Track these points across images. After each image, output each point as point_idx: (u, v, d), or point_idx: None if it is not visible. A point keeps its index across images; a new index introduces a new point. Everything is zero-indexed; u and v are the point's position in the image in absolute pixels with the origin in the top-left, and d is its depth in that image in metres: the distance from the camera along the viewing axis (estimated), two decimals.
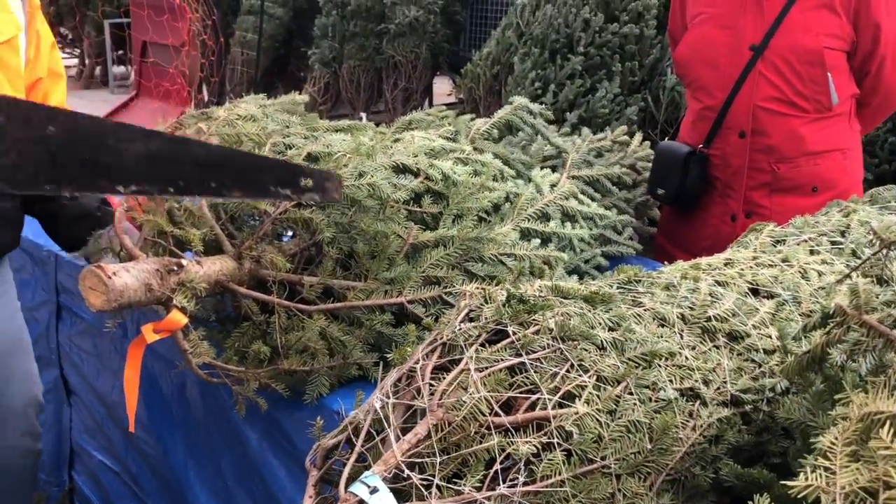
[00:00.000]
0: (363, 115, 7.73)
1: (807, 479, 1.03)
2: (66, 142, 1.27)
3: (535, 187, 2.34)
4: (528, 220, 2.21)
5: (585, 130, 2.96)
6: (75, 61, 13.26)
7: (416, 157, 2.11)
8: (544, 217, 2.26)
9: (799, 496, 1.03)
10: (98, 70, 12.93)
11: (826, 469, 1.02)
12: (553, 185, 2.38)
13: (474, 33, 10.04)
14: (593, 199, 2.55)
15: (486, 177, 2.16)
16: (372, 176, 1.99)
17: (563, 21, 5.86)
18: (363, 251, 1.96)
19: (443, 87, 10.58)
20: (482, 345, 1.43)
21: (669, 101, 5.67)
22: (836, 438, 1.06)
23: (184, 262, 1.88)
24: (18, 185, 1.25)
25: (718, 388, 1.50)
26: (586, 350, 1.42)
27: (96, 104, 9.67)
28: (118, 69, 12.74)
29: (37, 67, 2.36)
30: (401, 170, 2.09)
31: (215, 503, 2.45)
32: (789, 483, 1.04)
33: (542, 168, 2.56)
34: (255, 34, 9.49)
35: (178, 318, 1.86)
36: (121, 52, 12.70)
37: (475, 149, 2.37)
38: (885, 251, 1.20)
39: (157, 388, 2.63)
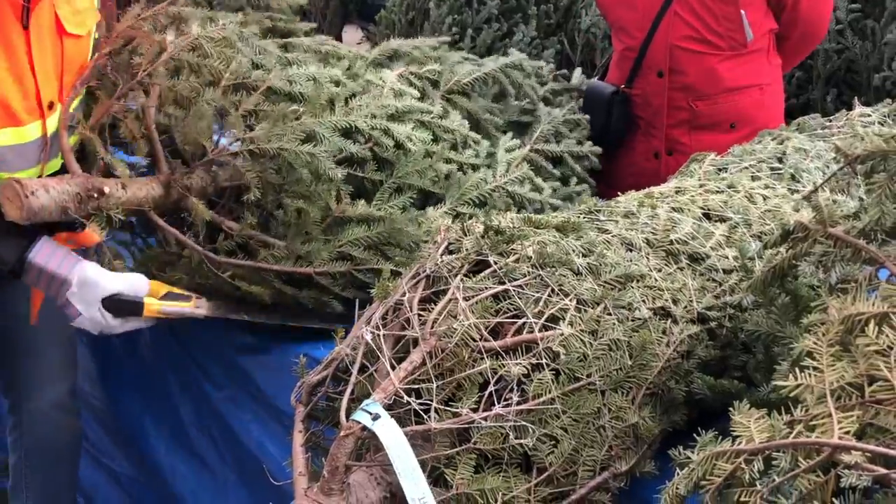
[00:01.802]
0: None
1: (796, 378, 1.10)
2: None
3: (493, 163, 2.31)
4: (466, 206, 2.15)
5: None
6: None
7: (373, 118, 2.08)
8: (483, 205, 2.18)
9: (789, 395, 1.10)
10: None
11: (815, 369, 1.09)
12: (511, 164, 2.32)
13: None
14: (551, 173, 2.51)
15: (443, 146, 2.16)
16: (316, 143, 1.97)
17: None
18: (284, 220, 1.98)
19: (353, 36, 10.46)
20: (466, 275, 1.47)
21: (585, 43, 5.75)
22: (819, 341, 1.14)
23: (106, 189, 1.87)
24: None
25: (686, 307, 1.58)
26: (564, 276, 1.48)
27: None
28: None
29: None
30: (353, 130, 2.07)
31: (175, 451, 2.46)
32: (780, 383, 1.12)
33: (511, 129, 2.52)
34: None
35: (92, 236, 1.91)
36: None
37: (447, 100, 2.37)
38: (848, 167, 1.28)
39: (104, 340, 2.60)
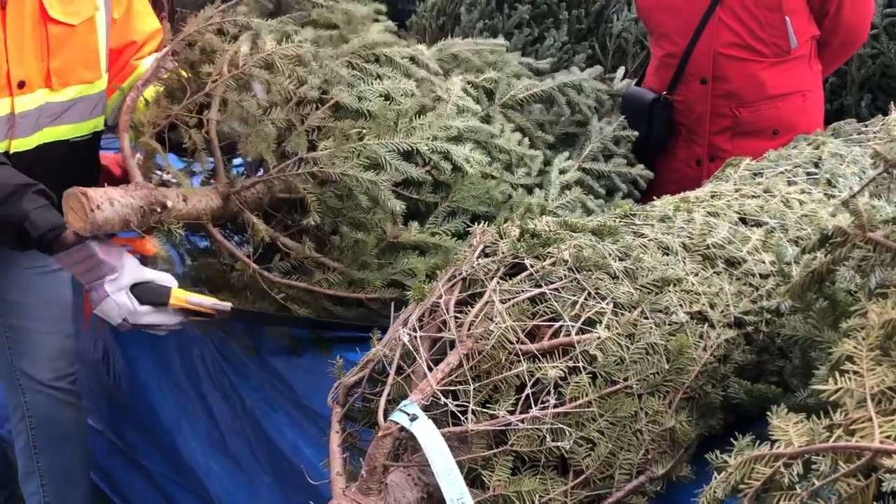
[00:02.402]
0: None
1: (836, 382, 1.10)
2: None
3: (545, 182, 2.30)
4: None
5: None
6: None
7: (435, 139, 2.07)
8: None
9: (828, 399, 1.10)
10: None
11: (855, 373, 1.09)
12: (563, 187, 2.32)
13: None
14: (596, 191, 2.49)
15: (499, 168, 2.17)
16: (379, 168, 1.97)
17: None
18: (341, 245, 1.99)
19: None
20: (502, 278, 1.48)
21: (616, 48, 5.74)
22: (859, 345, 1.14)
23: (169, 202, 1.89)
24: None
25: (723, 311, 1.58)
26: (601, 279, 1.48)
27: None
28: None
29: (128, 30, 2.41)
30: (414, 152, 2.06)
31: (210, 452, 2.48)
32: (819, 387, 1.11)
33: (559, 140, 2.51)
34: None
35: (149, 246, 1.96)
36: None
37: (504, 114, 2.36)
38: (887, 171, 1.28)
39: (142, 342, 2.64)
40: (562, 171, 2.36)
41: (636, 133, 2.75)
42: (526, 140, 2.37)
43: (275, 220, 2.07)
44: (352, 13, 2.39)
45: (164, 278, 1.95)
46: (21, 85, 2.15)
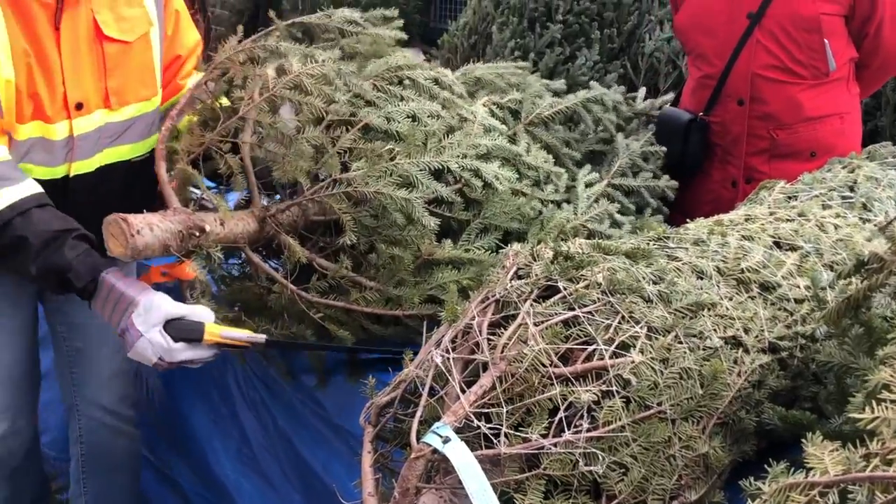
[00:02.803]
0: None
1: (872, 411, 1.09)
2: None
3: (573, 197, 2.31)
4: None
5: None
6: None
7: (464, 157, 2.09)
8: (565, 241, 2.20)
9: (865, 428, 1.09)
10: None
11: (892, 402, 1.08)
12: (590, 199, 2.34)
13: (444, 4, 10.04)
14: (626, 207, 2.50)
15: (528, 184, 2.18)
16: (412, 187, 1.99)
17: None
18: (377, 263, 2.01)
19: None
20: (535, 300, 1.48)
21: (648, 67, 5.74)
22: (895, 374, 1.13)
23: (207, 226, 1.91)
24: None
25: (757, 336, 1.57)
26: (635, 302, 1.48)
27: None
28: None
29: (175, 44, 2.38)
30: (444, 170, 2.08)
31: (241, 468, 2.50)
32: (855, 416, 1.10)
33: (586, 158, 2.53)
34: (223, 9, 9.42)
35: (188, 271, 1.94)
36: None
37: (530, 132, 2.38)
38: None
39: None
40: (588, 185, 2.37)
41: (664, 148, 2.75)
42: (551, 157, 2.39)
43: (310, 243, 2.09)
44: (380, 37, 2.41)
45: (197, 312, 1.91)
46: (79, 107, 2.12)
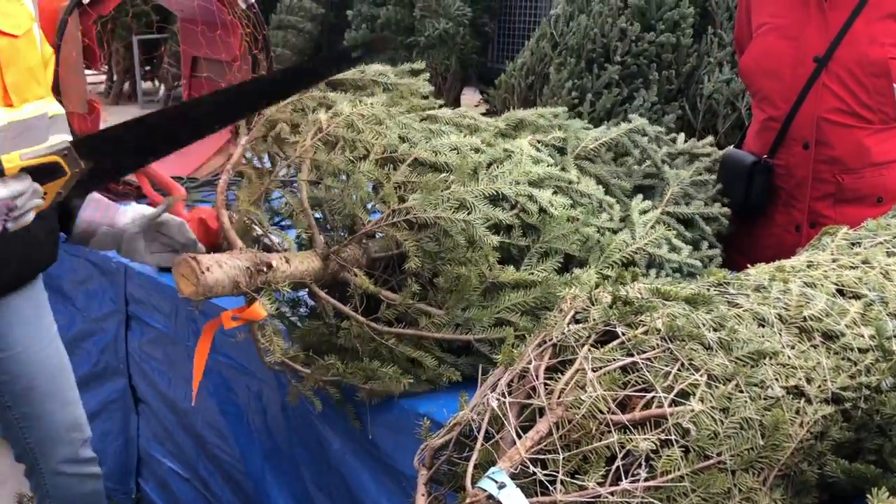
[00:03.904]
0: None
1: None
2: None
3: (629, 224, 2.32)
4: (611, 268, 2.15)
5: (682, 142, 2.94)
6: (103, 77, 13.42)
7: (517, 184, 2.11)
8: (628, 265, 2.19)
9: None
10: (126, 86, 13.09)
11: None
12: (647, 225, 2.34)
13: (502, 45, 10.12)
14: (683, 236, 2.50)
15: (583, 212, 2.19)
16: (469, 211, 2.00)
17: (599, 31, 5.91)
18: (444, 286, 2.01)
19: (471, 99, 10.66)
20: (593, 345, 1.47)
21: (707, 109, 5.72)
22: None
23: (273, 262, 1.94)
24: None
25: (820, 386, 1.53)
26: (694, 349, 1.46)
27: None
28: (145, 85, 12.89)
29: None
30: (499, 198, 2.10)
31: None
32: None
33: (637, 193, 2.53)
34: (284, 49, 9.60)
35: (259, 311, 1.93)
36: (148, 67, 12.87)
37: (578, 166, 2.40)
38: None
39: (232, 394, 2.69)
40: (642, 212, 2.38)
41: (713, 177, 2.75)
42: (601, 188, 2.40)
43: (372, 279, 2.10)
44: (416, 87, 2.47)
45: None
46: None
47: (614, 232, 2.27)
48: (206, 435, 2.84)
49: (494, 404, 1.45)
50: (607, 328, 1.50)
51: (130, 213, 2.22)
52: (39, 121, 2.14)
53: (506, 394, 1.46)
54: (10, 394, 2.46)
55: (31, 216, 1.78)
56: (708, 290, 1.69)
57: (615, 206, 2.35)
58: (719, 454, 1.35)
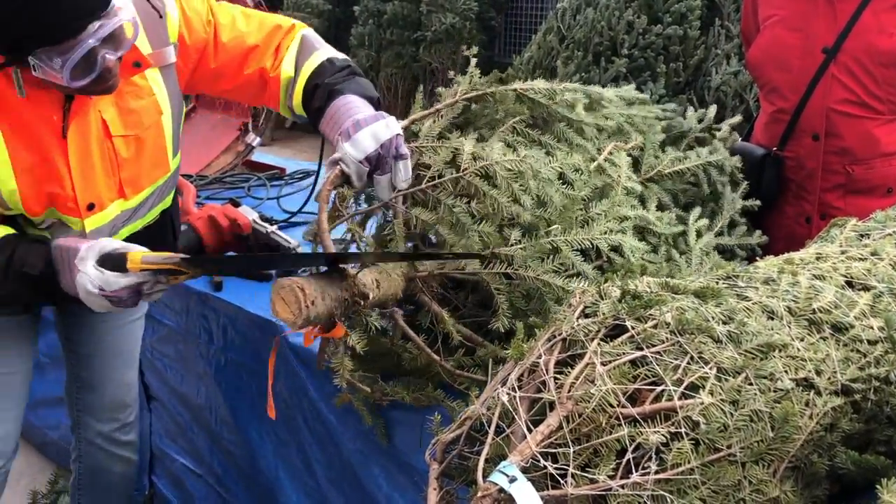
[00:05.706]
0: None
1: None
2: None
3: (687, 251, 2.30)
4: None
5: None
6: None
7: (608, 233, 2.04)
8: None
9: None
10: None
11: None
12: (701, 254, 2.31)
13: (509, 39, 10.10)
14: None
15: (653, 257, 2.17)
16: (566, 269, 1.96)
17: (606, 24, 5.90)
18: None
19: None
20: (603, 339, 1.48)
21: (714, 101, 5.71)
22: None
23: (370, 294, 1.87)
24: None
25: (829, 378, 1.54)
26: (704, 343, 1.46)
27: None
28: None
29: (233, 49, 2.24)
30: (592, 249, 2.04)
31: (306, 501, 2.51)
32: None
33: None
34: None
35: (342, 329, 1.90)
36: None
37: (642, 184, 2.35)
38: None
39: (244, 391, 2.70)
40: (698, 234, 2.34)
41: (758, 203, 2.71)
42: (673, 216, 2.36)
43: (444, 302, 2.08)
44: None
45: (128, 246, 1.92)
46: (90, 207, 2.13)
47: (667, 258, 2.25)
48: (219, 431, 2.86)
49: (505, 398, 1.45)
50: (617, 322, 1.51)
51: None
52: (151, 198, 2.31)
53: (516, 388, 1.46)
54: (76, 354, 2.68)
55: (158, 295, 1.96)
56: (717, 283, 1.69)
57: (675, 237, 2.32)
58: (729, 447, 1.36)
